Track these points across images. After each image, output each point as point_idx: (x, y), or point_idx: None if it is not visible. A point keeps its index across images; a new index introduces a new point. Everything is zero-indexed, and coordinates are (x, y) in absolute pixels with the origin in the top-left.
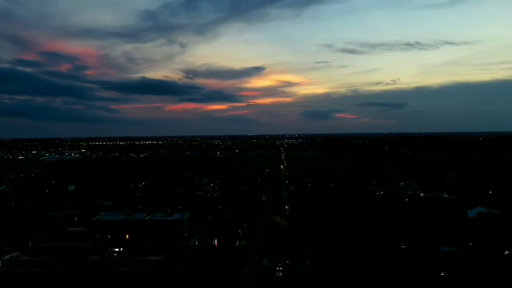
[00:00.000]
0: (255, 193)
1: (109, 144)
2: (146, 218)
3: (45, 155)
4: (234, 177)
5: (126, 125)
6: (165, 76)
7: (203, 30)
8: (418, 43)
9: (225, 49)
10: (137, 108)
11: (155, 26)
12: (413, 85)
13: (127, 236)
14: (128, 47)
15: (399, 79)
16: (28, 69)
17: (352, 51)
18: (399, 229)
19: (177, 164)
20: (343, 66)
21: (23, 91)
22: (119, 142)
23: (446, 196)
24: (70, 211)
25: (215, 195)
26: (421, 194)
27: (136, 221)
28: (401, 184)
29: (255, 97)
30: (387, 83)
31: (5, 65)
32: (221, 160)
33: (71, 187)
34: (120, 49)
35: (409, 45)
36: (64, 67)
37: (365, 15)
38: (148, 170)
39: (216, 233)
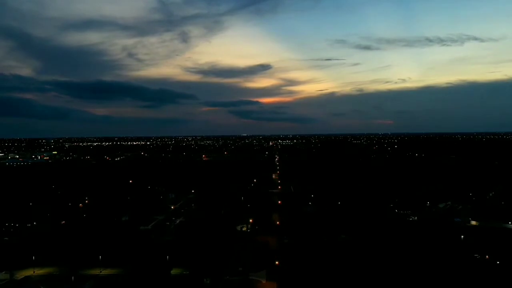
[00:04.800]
0: (234, 219)
1: (91, 145)
2: None
3: (7, 158)
4: (211, 191)
5: (123, 124)
6: (165, 74)
7: (211, 22)
8: (438, 38)
9: (232, 45)
10: (134, 107)
11: (160, 18)
12: (421, 84)
13: None
14: (130, 41)
15: (410, 78)
16: (23, 66)
17: (367, 47)
18: None
19: (148, 171)
20: (355, 64)
21: (13, 88)
22: (104, 143)
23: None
24: None
25: (178, 221)
26: (473, 222)
27: None
28: (441, 206)
29: (256, 96)
30: (395, 82)
31: None
32: (203, 166)
33: None
34: (120, 43)
35: (428, 41)
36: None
37: (385, 7)
38: (109, 179)
39: None
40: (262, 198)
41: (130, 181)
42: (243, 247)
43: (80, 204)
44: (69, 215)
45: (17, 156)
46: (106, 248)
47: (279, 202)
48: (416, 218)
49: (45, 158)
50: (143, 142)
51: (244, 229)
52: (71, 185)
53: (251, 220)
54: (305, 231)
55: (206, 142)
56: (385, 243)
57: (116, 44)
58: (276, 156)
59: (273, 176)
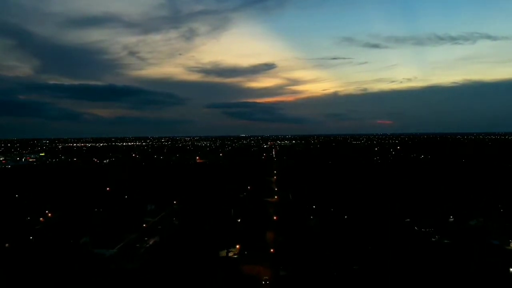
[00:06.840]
0: (218, 240)
1: (84, 146)
2: None
3: None
4: (197, 202)
5: (121, 124)
6: (167, 74)
7: (217, 19)
8: (450, 36)
9: (236, 43)
10: (133, 107)
11: (166, 15)
12: (425, 84)
13: None
14: (132, 39)
15: (415, 77)
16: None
17: (375, 46)
18: None
19: (132, 175)
20: (362, 63)
21: (12, 88)
22: (98, 144)
23: None
24: None
25: (151, 242)
26: None
27: None
28: (472, 223)
29: (259, 96)
30: (400, 82)
31: None
32: (193, 170)
33: None
34: (122, 41)
35: (439, 39)
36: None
37: (395, 4)
38: (86, 186)
39: None
40: (255, 211)
41: (108, 189)
42: (226, 283)
43: (41, 218)
44: (18, 236)
45: (2, 158)
46: (49, 285)
47: (275, 217)
48: (439, 237)
49: (30, 160)
50: (139, 142)
51: (231, 254)
52: (39, 193)
53: (238, 246)
54: (307, 258)
55: (203, 143)
56: (413, 280)
57: (118, 43)
58: (274, 157)
59: (269, 182)
